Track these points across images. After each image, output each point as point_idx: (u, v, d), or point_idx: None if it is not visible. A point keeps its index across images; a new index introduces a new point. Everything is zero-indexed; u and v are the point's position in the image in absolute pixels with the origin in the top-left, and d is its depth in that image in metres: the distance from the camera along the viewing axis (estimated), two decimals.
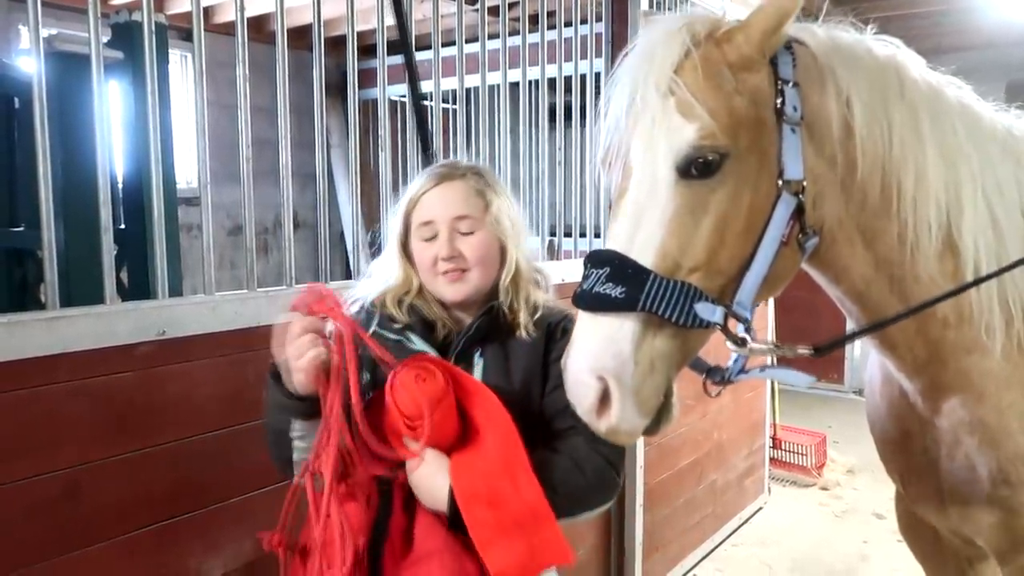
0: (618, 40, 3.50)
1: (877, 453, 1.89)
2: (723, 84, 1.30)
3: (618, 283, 1.26)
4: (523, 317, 1.61)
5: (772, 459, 4.88)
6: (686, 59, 1.30)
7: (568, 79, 3.36)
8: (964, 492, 1.62)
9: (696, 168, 1.28)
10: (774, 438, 5.03)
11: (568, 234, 3.50)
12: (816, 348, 1.43)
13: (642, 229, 1.29)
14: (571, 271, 3.07)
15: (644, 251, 1.28)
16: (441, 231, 1.59)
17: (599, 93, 3.53)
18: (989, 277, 1.44)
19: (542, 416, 1.58)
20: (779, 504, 4.68)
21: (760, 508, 4.58)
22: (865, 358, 1.59)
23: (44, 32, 1.74)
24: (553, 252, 3.46)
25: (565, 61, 3.32)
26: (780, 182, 1.33)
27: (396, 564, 1.42)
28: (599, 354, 1.27)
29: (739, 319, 1.32)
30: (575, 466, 1.49)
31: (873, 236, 1.46)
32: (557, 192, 3.37)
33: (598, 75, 3.50)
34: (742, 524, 4.37)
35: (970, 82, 1.58)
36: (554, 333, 1.64)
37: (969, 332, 1.49)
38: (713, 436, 4.01)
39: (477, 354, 1.59)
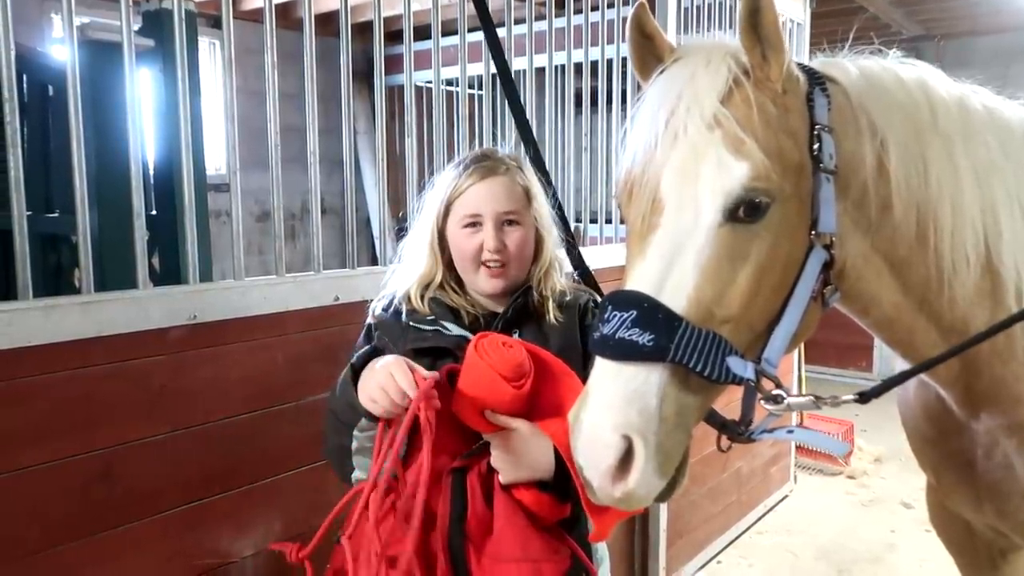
0: None
1: (909, 446, 1.87)
2: (771, 122, 1.21)
3: (646, 329, 1.13)
4: (551, 303, 1.67)
5: (798, 447, 4.85)
6: (736, 90, 1.20)
7: (595, 64, 3.34)
8: (1002, 489, 1.59)
9: (744, 211, 1.17)
10: (801, 426, 4.99)
11: (594, 220, 3.49)
12: (861, 394, 1.30)
13: (675, 272, 1.17)
14: (596, 257, 3.07)
15: (676, 296, 1.16)
16: (487, 224, 1.63)
17: (625, 78, 3.49)
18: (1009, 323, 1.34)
19: None
20: (805, 492, 4.65)
21: (786, 496, 4.56)
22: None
23: (77, 21, 1.76)
24: (579, 238, 3.45)
25: (592, 46, 3.30)
26: (813, 233, 1.24)
27: (479, 560, 1.43)
28: (624, 409, 1.13)
29: (768, 377, 1.21)
30: None
31: (904, 266, 1.39)
32: (583, 178, 3.36)
33: (624, 60, 3.47)
34: (767, 512, 4.35)
35: (1006, 63, 1.55)
36: (585, 313, 1.70)
37: (1006, 343, 1.44)
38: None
39: (515, 335, 1.62)
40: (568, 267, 1.84)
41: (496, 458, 1.47)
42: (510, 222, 1.65)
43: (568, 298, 1.70)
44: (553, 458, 1.45)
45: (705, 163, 1.18)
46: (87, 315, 1.66)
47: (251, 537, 1.94)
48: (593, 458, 1.16)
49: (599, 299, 1.75)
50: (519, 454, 1.46)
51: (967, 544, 1.97)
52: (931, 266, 1.39)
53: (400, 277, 1.72)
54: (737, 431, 1.32)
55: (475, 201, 1.65)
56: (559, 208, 1.94)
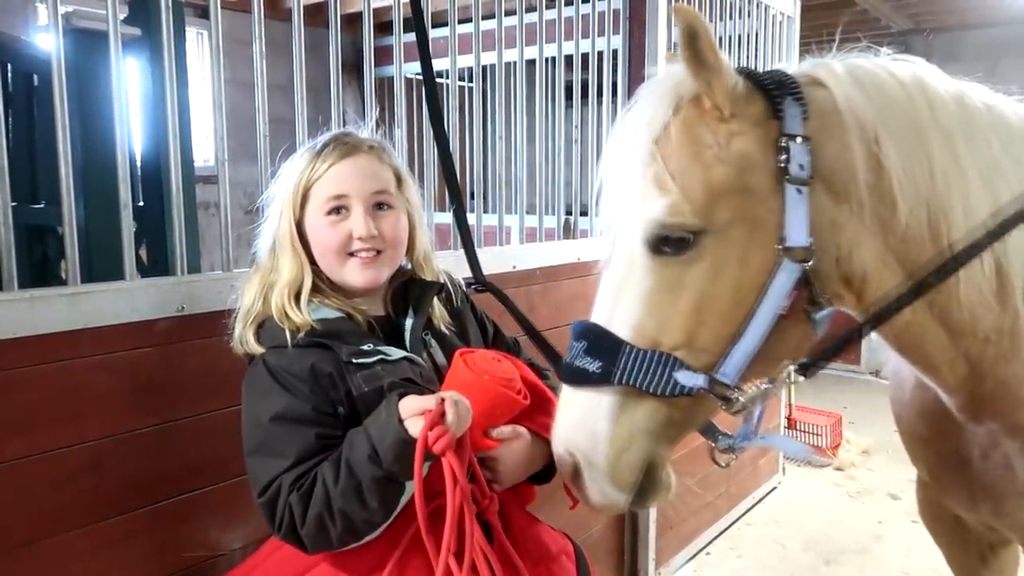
0: (636, 16, 3.45)
1: (903, 445, 1.88)
2: (703, 153, 1.23)
3: (595, 357, 1.23)
4: (436, 304, 1.62)
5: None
6: (671, 124, 1.23)
7: (585, 56, 3.33)
8: (999, 489, 1.59)
9: (668, 246, 1.22)
10: (789, 418, 5.02)
11: (584, 212, 3.49)
12: (802, 365, 1.34)
13: (620, 305, 1.26)
14: (587, 250, 3.07)
15: (622, 328, 1.24)
16: (356, 207, 1.47)
17: (616, 70, 3.49)
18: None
19: None
20: (793, 484, 4.68)
21: (774, 488, 4.59)
22: (881, 340, 1.55)
23: (62, 9, 1.74)
24: (569, 230, 3.45)
25: (582, 38, 3.29)
26: (780, 249, 1.23)
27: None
28: (572, 431, 1.27)
29: (723, 385, 1.23)
30: None
31: (916, 266, 1.36)
32: (573, 170, 3.36)
33: (615, 52, 3.47)
34: (756, 503, 4.38)
35: (995, 57, 1.54)
36: (466, 297, 1.72)
37: (1011, 344, 1.43)
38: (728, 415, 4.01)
39: (427, 336, 1.57)
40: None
41: (499, 472, 1.46)
42: (380, 205, 1.50)
43: (455, 302, 1.67)
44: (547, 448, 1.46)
45: (637, 200, 1.25)
46: (74, 306, 1.64)
47: (241, 530, 1.94)
48: (559, 469, 1.33)
49: (461, 281, 1.77)
50: (523, 458, 1.47)
51: (957, 538, 1.98)
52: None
53: (255, 288, 1.51)
54: (726, 443, 1.43)
55: (339, 182, 1.47)
56: (457, 191, 1.93)
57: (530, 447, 1.48)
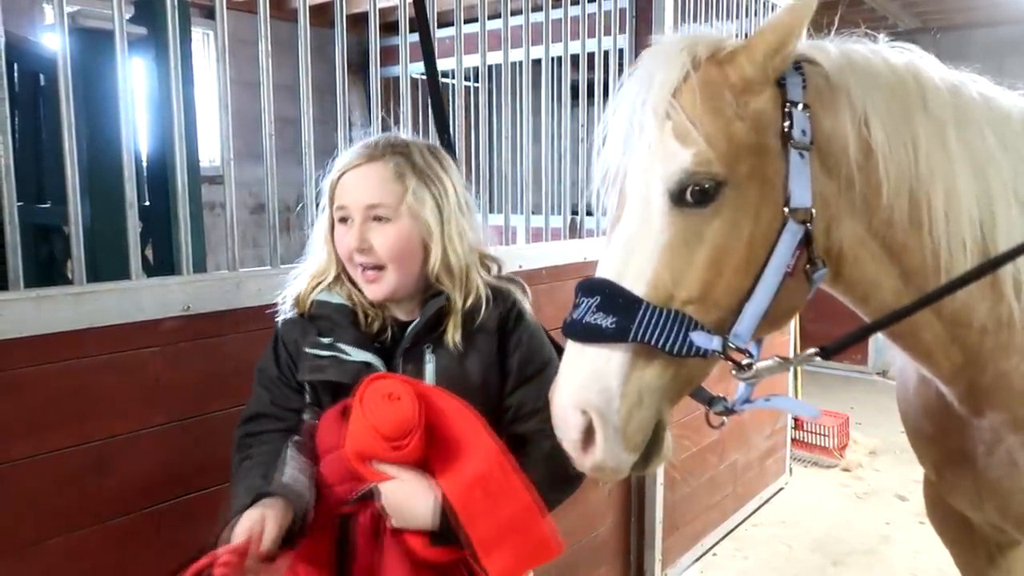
0: (642, 16, 3.45)
1: (909, 444, 1.87)
2: (724, 108, 1.25)
3: (609, 313, 1.21)
4: (453, 325, 1.50)
5: (794, 440, 4.86)
6: (685, 82, 1.25)
7: (591, 56, 3.33)
8: (1004, 486, 1.58)
9: (691, 196, 1.22)
10: (796, 418, 5.00)
11: (590, 212, 3.48)
12: (823, 348, 1.34)
13: (635, 259, 1.24)
14: (593, 249, 3.06)
15: (636, 282, 1.22)
16: (354, 218, 1.47)
17: (622, 70, 3.49)
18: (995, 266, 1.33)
19: (504, 411, 1.54)
20: (800, 485, 4.67)
21: (781, 488, 4.57)
22: (887, 340, 1.54)
23: (68, 8, 1.74)
24: (575, 230, 3.44)
25: (588, 37, 3.29)
26: (786, 210, 1.26)
27: None
28: (585, 388, 1.22)
29: (737, 349, 1.24)
30: (550, 473, 1.45)
31: (902, 251, 1.38)
32: (579, 170, 3.35)
33: (621, 51, 3.46)
34: (763, 504, 4.36)
35: (1002, 56, 1.53)
36: (507, 322, 1.56)
37: (1009, 336, 1.42)
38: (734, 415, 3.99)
39: (428, 350, 1.50)
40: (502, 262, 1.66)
41: (383, 505, 1.39)
42: (379, 218, 1.47)
43: (482, 316, 1.52)
44: (434, 510, 1.36)
45: (657, 154, 1.24)
46: (80, 306, 1.64)
47: None
48: (562, 433, 1.26)
49: (521, 301, 1.62)
50: (403, 504, 1.38)
51: (965, 539, 1.97)
52: (927, 252, 1.37)
53: (301, 274, 1.60)
54: (722, 406, 1.39)
55: (344, 191, 1.49)
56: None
57: (415, 496, 1.37)
